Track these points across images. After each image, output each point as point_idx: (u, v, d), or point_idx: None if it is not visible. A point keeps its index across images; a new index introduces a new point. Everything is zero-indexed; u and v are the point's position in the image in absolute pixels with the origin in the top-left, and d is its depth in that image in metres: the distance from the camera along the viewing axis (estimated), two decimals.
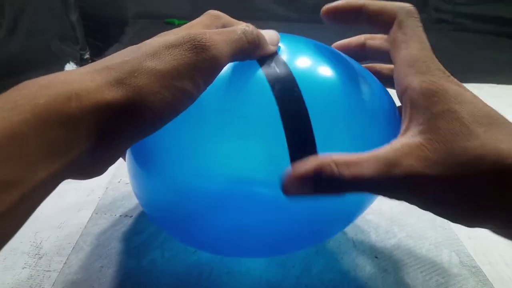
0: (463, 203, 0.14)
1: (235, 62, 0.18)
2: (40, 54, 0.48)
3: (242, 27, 0.17)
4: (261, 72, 0.18)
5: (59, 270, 0.26)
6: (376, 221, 0.31)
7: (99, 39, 0.58)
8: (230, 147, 0.17)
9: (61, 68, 0.52)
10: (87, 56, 0.57)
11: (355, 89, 0.19)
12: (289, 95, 0.17)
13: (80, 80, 0.12)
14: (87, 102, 0.12)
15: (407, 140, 0.15)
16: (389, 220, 0.31)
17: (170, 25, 0.64)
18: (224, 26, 0.18)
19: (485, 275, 0.26)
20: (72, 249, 0.27)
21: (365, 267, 0.27)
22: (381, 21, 0.18)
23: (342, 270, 0.26)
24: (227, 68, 0.18)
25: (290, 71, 0.18)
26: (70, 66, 0.54)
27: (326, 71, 0.19)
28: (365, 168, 0.14)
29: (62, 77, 0.12)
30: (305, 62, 0.19)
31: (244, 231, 0.20)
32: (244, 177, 0.17)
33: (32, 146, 0.10)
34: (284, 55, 0.19)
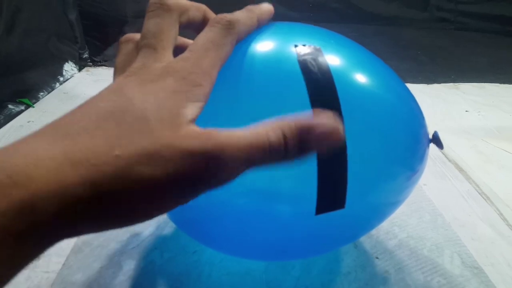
0: None
1: (275, 64, 0.17)
2: (38, 53, 0.48)
3: (273, 138, 0.12)
4: (302, 80, 0.17)
5: (57, 271, 0.25)
6: None
7: (98, 38, 0.57)
8: None
9: (59, 67, 0.52)
10: (86, 55, 0.57)
11: (393, 106, 0.19)
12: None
13: (46, 181, 0.10)
14: (46, 211, 0.10)
15: None
16: (390, 220, 0.31)
17: None
18: (238, 38, 0.15)
19: (487, 276, 0.26)
20: (71, 250, 0.27)
21: (365, 268, 0.26)
22: None
23: (342, 271, 0.26)
24: (264, 68, 0.17)
25: (333, 81, 0.17)
26: (68, 66, 0.53)
27: (366, 80, 0.18)
28: None
29: (22, 179, 0.10)
30: (348, 72, 0.18)
31: (255, 239, 0.20)
32: (267, 190, 0.17)
33: None
34: (328, 58, 0.18)
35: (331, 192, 0.17)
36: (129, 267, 0.26)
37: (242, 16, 0.16)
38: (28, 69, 0.46)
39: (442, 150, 0.43)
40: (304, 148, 0.13)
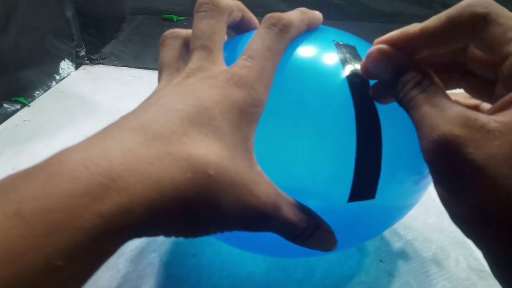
0: None
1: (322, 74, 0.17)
2: (34, 51, 0.47)
3: (304, 225, 0.14)
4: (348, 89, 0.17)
5: None
6: None
7: (95, 35, 0.57)
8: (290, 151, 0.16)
9: (56, 66, 0.51)
10: (82, 53, 0.56)
11: None
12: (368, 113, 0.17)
13: (145, 187, 0.10)
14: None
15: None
16: None
17: (168, 22, 0.63)
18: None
19: (494, 279, 0.26)
20: None
21: (369, 271, 0.26)
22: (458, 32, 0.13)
23: (345, 274, 0.26)
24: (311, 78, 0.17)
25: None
26: (65, 64, 0.53)
27: None
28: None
29: (123, 184, 0.10)
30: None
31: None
32: (296, 187, 0.16)
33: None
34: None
35: (365, 180, 0.17)
36: (128, 270, 0.25)
37: (296, 18, 0.16)
38: (23, 67, 0.45)
39: None
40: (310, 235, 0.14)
